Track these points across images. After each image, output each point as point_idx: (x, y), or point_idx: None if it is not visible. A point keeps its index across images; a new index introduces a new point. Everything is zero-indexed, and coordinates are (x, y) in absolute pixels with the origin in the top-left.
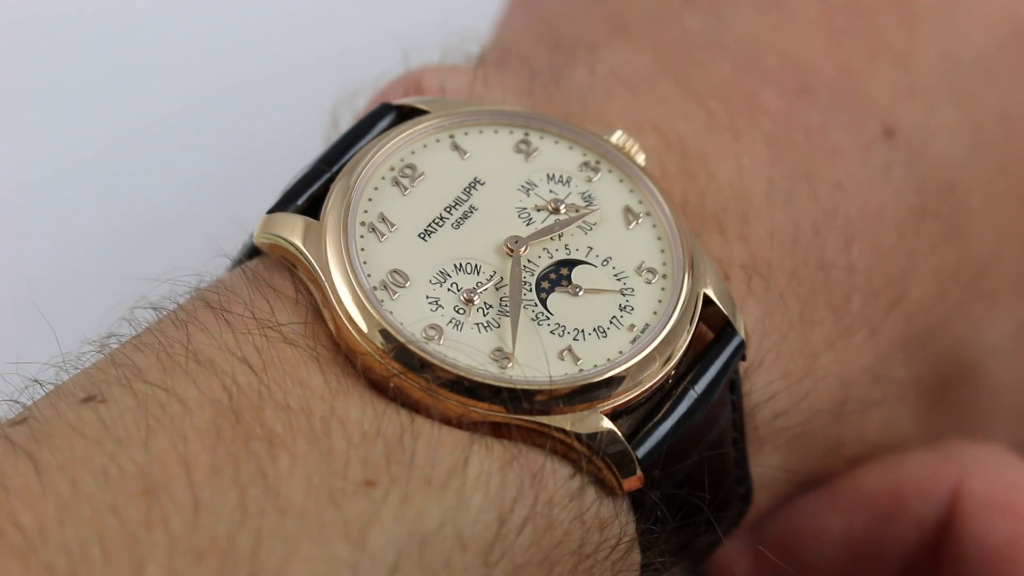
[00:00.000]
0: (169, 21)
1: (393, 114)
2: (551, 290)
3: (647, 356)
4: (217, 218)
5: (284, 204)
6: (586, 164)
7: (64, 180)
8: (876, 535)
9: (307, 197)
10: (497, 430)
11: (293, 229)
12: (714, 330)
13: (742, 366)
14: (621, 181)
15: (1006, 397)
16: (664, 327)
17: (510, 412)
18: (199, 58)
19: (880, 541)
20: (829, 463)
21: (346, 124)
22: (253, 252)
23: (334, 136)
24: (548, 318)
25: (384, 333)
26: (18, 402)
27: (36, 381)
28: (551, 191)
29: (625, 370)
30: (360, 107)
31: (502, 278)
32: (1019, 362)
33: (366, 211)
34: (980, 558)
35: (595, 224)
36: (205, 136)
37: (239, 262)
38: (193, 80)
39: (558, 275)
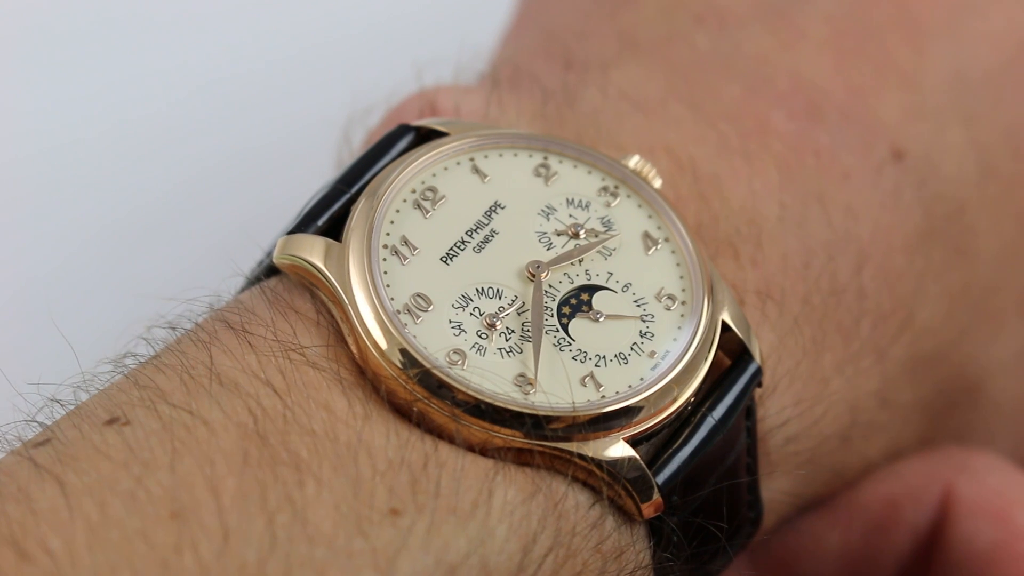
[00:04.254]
0: (181, 37)
1: (411, 135)
2: (572, 315)
3: (668, 384)
4: (230, 235)
5: (304, 225)
6: (605, 189)
7: (77, 201)
8: (872, 545)
9: (327, 218)
10: (519, 456)
11: (314, 250)
12: (730, 356)
13: (756, 392)
14: (640, 206)
15: (1008, 414)
16: (684, 354)
17: (533, 438)
18: (212, 75)
19: (876, 551)
20: (833, 487)
21: (359, 140)
22: (270, 271)
23: (347, 152)
24: (570, 344)
25: (408, 357)
26: (36, 421)
27: (55, 400)
28: (571, 216)
29: (646, 398)
30: (373, 123)
31: (524, 303)
32: (1021, 380)
33: (388, 234)
34: (968, 562)
35: (615, 249)
36: (218, 152)
37: (255, 281)
38: (206, 97)
39: (579, 300)
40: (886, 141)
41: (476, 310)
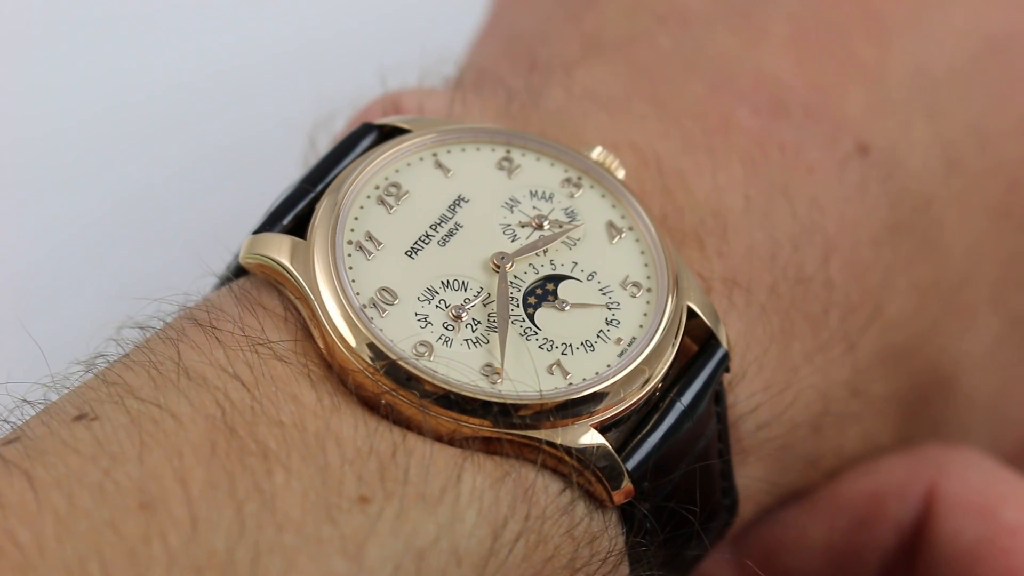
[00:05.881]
0: (146, 44)
1: (375, 133)
2: (538, 305)
3: (635, 369)
4: (199, 238)
5: (270, 224)
6: (568, 180)
7: (46, 205)
8: (856, 540)
9: (292, 217)
10: (488, 445)
11: (280, 249)
12: (697, 343)
13: (726, 378)
14: (603, 196)
15: (982, 409)
16: (651, 340)
17: (501, 427)
18: (178, 81)
19: (860, 546)
20: (808, 476)
21: (324, 144)
22: (239, 272)
23: (313, 156)
24: (536, 333)
25: (375, 350)
26: (8, 422)
27: (26, 401)
28: (534, 207)
29: (613, 383)
30: (338, 128)
31: (489, 294)
32: (995, 374)
33: (353, 230)
34: (953, 558)
35: (579, 239)
36: (186, 156)
37: (225, 281)
38: (174, 103)
39: (544, 290)
40: (851, 136)
41: (442, 302)
